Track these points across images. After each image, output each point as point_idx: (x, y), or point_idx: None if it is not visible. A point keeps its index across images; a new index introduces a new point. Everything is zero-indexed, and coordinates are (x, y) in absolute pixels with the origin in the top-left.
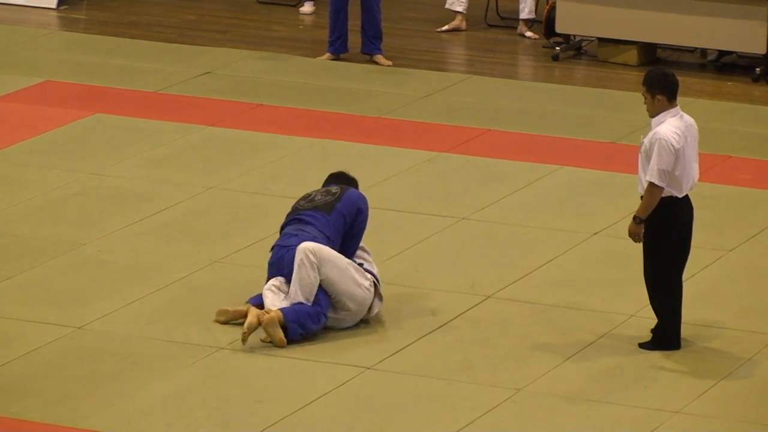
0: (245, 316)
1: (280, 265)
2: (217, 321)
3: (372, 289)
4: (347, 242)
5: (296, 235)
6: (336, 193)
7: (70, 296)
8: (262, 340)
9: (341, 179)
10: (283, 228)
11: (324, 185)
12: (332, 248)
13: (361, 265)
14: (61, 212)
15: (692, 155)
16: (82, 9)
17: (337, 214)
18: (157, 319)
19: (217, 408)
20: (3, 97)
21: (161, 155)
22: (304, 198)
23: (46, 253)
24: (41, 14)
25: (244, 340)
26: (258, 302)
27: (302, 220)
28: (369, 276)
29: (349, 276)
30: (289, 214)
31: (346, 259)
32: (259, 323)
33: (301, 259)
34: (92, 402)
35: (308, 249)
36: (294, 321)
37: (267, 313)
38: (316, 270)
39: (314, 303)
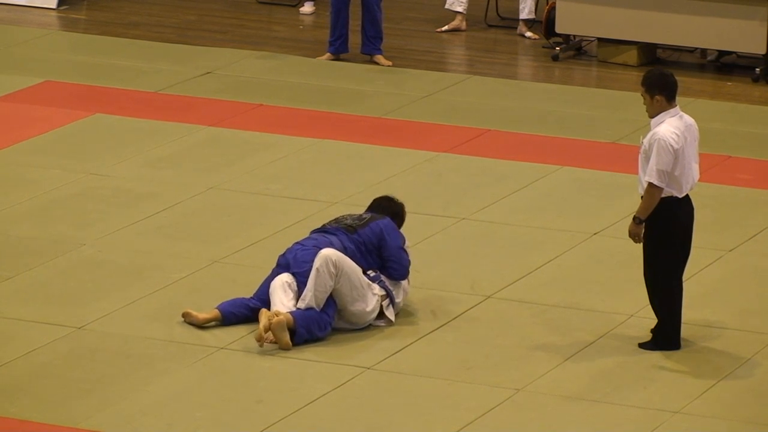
0: (210, 321)
1: (294, 261)
2: (184, 321)
3: (377, 309)
4: (385, 263)
5: (316, 239)
6: (365, 219)
7: (70, 296)
8: (259, 341)
9: (382, 207)
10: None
11: (367, 209)
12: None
13: (381, 281)
14: (61, 212)
15: (692, 155)
16: (82, 9)
17: (358, 237)
18: (157, 319)
19: (218, 408)
20: (3, 97)
21: (161, 155)
22: (334, 219)
23: (46, 253)
24: (41, 14)
25: (261, 343)
26: (228, 308)
27: (327, 231)
28: (378, 293)
29: (359, 294)
30: (314, 229)
31: (362, 277)
32: (272, 328)
33: (321, 266)
34: (92, 402)
35: (330, 258)
36: (302, 326)
37: (276, 315)
38: (334, 280)
39: (323, 310)
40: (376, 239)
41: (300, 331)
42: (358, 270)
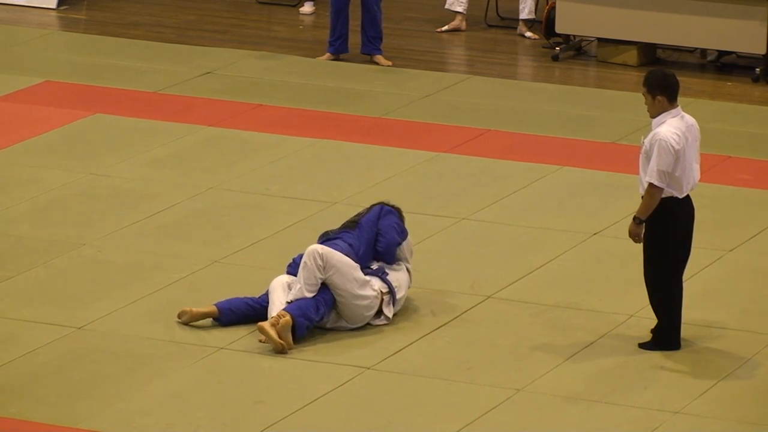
0: (206, 316)
1: (297, 263)
2: (179, 322)
3: (374, 306)
4: (379, 255)
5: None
6: (361, 212)
7: (70, 296)
8: (261, 341)
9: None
10: None
11: None
12: (349, 256)
13: (384, 275)
14: (61, 212)
15: (693, 156)
16: (82, 9)
17: (361, 228)
18: (157, 319)
19: (217, 408)
20: (3, 97)
21: (161, 155)
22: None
23: (46, 253)
24: (41, 14)
25: (283, 351)
26: (227, 305)
27: (331, 238)
28: (377, 288)
29: (353, 289)
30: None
31: (358, 273)
32: (277, 331)
33: (308, 259)
34: (92, 402)
35: (317, 251)
36: (300, 316)
37: (282, 317)
38: (322, 272)
39: (314, 296)
40: (377, 218)
41: (299, 321)
42: (354, 266)
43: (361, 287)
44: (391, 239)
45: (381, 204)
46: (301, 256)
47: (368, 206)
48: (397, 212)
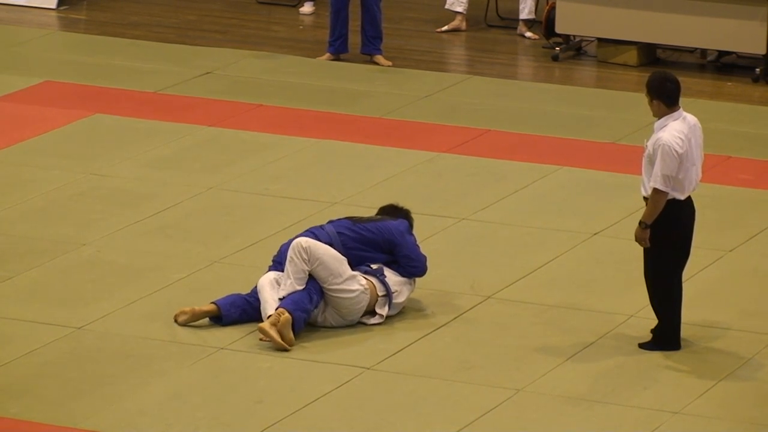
0: (207, 315)
1: (284, 253)
2: (177, 322)
3: (362, 301)
4: (404, 262)
5: (310, 230)
6: (373, 218)
7: (70, 296)
8: (261, 340)
9: (390, 212)
10: None
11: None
12: (335, 246)
13: (382, 277)
14: (61, 212)
15: (696, 156)
16: (82, 9)
17: (360, 228)
18: (157, 319)
19: (217, 408)
20: (3, 97)
21: (161, 155)
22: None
23: (46, 253)
24: (41, 14)
25: (286, 349)
26: (225, 302)
27: (329, 223)
28: (362, 285)
29: (338, 281)
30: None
31: (343, 267)
32: (278, 330)
33: (293, 254)
34: (92, 402)
35: (300, 244)
36: (297, 310)
37: (281, 315)
38: (307, 264)
39: (305, 288)
40: (381, 238)
41: (297, 314)
42: (340, 259)
43: (346, 281)
44: (424, 261)
45: (402, 216)
46: (288, 244)
47: (382, 208)
48: (409, 222)
